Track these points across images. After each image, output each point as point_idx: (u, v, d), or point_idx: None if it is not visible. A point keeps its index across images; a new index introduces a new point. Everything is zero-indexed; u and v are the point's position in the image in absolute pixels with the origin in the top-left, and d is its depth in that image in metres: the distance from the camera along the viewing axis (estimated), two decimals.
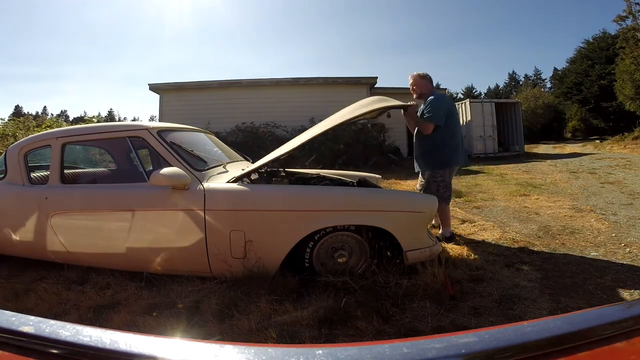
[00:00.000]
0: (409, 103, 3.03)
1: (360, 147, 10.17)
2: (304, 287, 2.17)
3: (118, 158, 3.73)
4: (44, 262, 2.70)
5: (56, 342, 0.43)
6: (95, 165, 4.07)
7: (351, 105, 2.74)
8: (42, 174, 2.98)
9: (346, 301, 1.98)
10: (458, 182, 6.91)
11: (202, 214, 2.22)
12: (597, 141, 18.82)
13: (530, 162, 10.78)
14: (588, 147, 15.88)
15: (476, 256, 2.78)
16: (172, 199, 2.27)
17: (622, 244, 2.92)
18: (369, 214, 2.23)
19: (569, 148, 16.64)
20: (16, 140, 6.85)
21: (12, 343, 0.45)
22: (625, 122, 18.71)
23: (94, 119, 14.40)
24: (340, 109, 2.75)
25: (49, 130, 3.33)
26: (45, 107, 66.97)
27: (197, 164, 2.49)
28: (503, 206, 4.57)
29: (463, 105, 14.84)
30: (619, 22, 17.30)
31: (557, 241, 3.10)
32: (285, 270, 2.25)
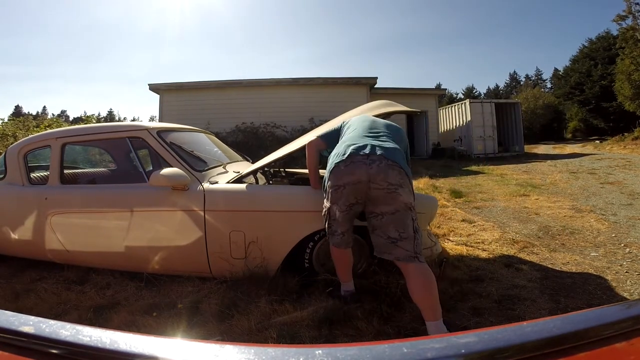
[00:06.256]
0: (415, 110, 3.02)
1: None
2: (304, 288, 2.17)
3: (118, 158, 3.73)
4: (44, 263, 2.70)
5: (56, 342, 0.43)
6: (95, 165, 4.07)
7: (358, 108, 2.73)
8: (41, 174, 2.98)
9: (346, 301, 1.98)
10: (458, 182, 6.92)
11: (202, 215, 2.22)
12: (597, 141, 18.83)
13: (530, 162, 10.79)
14: (588, 148, 15.89)
15: (476, 256, 2.79)
16: (172, 200, 2.27)
17: (622, 244, 2.92)
18: None
19: (569, 148, 16.65)
20: (16, 140, 6.85)
21: (12, 343, 0.45)
22: (625, 123, 18.72)
23: (93, 119, 14.41)
24: (340, 109, 2.75)
25: (49, 131, 3.33)
26: (44, 107, 67.08)
27: (197, 165, 2.49)
28: (503, 206, 4.57)
29: (463, 105, 14.87)
30: (619, 22, 17.33)
31: (557, 241, 3.10)
32: (285, 270, 2.25)
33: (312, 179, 2.21)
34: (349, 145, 1.82)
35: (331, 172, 1.81)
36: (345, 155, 1.76)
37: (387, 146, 1.81)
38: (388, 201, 1.70)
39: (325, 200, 1.90)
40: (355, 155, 1.74)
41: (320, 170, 2.47)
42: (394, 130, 2.05)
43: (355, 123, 2.06)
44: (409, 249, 1.67)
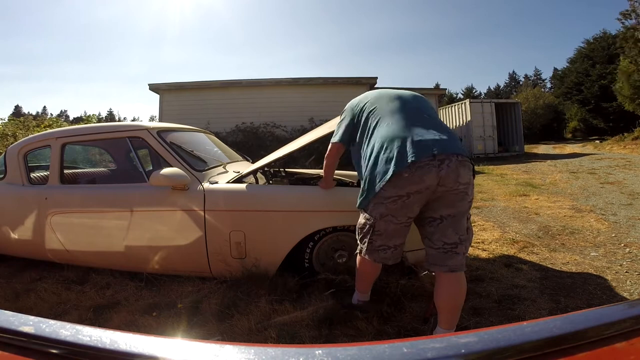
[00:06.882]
0: None
1: None
2: (304, 288, 2.17)
3: (118, 158, 3.73)
4: (44, 262, 2.70)
5: (56, 342, 0.43)
6: (95, 165, 4.07)
7: None
8: (41, 174, 2.98)
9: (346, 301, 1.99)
10: None
11: (202, 214, 2.22)
12: (597, 141, 18.84)
13: (530, 162, 10.79)
14: (588, 148, 15.90)
15: (476, 256, 2.78)
16: (171, 199, 2.27)
17: (622, 244, 2.92)
18: None
19: (569, 148, 16.65)
20: (16, 140, 6.85)
21: (12, 343, 0.45)
22: (625, 123, 18.72)
23: (93, 119, 14.42)
24: (340, 109, 2.73)
25: (49, 131, 3.33)
26: (44, 107, 67.09)
27: (197, 164, 2.49)
28: (503, 206, 4.57)
29: (463, 105, 14.87)
30: (622, 20, 17.29)
31: (557, 241, 3.10)
32: (285, 270, 2.25)
33: (327, 180, 2.06)
34: (407, 143, 1.49)
35: (389, 181, 1.48)
36: (411, 158, 1.45)
37: (448, 136, 1.55)
38: (454, 203, 1.50)
39: (367, 212, 1.61)
40: (423, 157, 1.45)
41: (322, 171, 2.44)
42: (426, 103, 1.77)
43: (383, 107, 1.70)
44: (464, 254, 1.53)
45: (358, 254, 1.73)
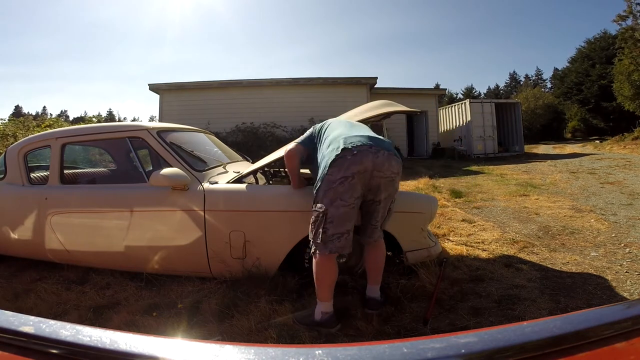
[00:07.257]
0: (415, 110, 3.01)
1: None
2: (304, 288, 2.17)
3: (118, 158, 3.73)
4: (44, 262, 2.70)
5: (56, 342, 0.43)
6: (95, 165, 4.08)
7: (358, 108, 2.73)
8: (41, 174, 2.98)
9: (346, 301, 1.99)
10: (458, 182, 6.92)
11: (202, 215, 2.22)
12: (597, 141, 18.86)
13: (530, 162, 10.78)
14: (588, 148, 15.91)
15: (476, 256, 2.79)
16: (171, 200, 2.27)
17: (622, 244, 2.92)
18: None
19: (569, 148, 16.66)
20: (16, 140, 6.85)
21: (12, 343, 0.45)
22: (625, 123, 18.73)
23: (94, 119, 14.43)
24: (340, 109, 2.75)
25: (49, 131, 3.33)
26: (44, 107, 67.05)
27: (197, 165, 2.49)
28: (503, 206, 4.57)
29: (463, 105, 14.87)
30: (619, 22, 17.32)
31: (557, 241, 3.10)
32: (285, 270, 2.25)
33: (295, 181, 2.16)
34: (348, 137, 1.78)
35: (333, 164, 1.70)
36: (351, 145, 1.72)
37: (382, 139, 1.87)
38: (387, 188, 1.81)
39: (318, 202, 1.75)
40: (361, 145, 1.73)
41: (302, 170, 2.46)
42: (377, 129, 2.15)
43: (337, 124, 2.05)
44: (382, 229, 1.94)
45: (313, 256, 1.81)
